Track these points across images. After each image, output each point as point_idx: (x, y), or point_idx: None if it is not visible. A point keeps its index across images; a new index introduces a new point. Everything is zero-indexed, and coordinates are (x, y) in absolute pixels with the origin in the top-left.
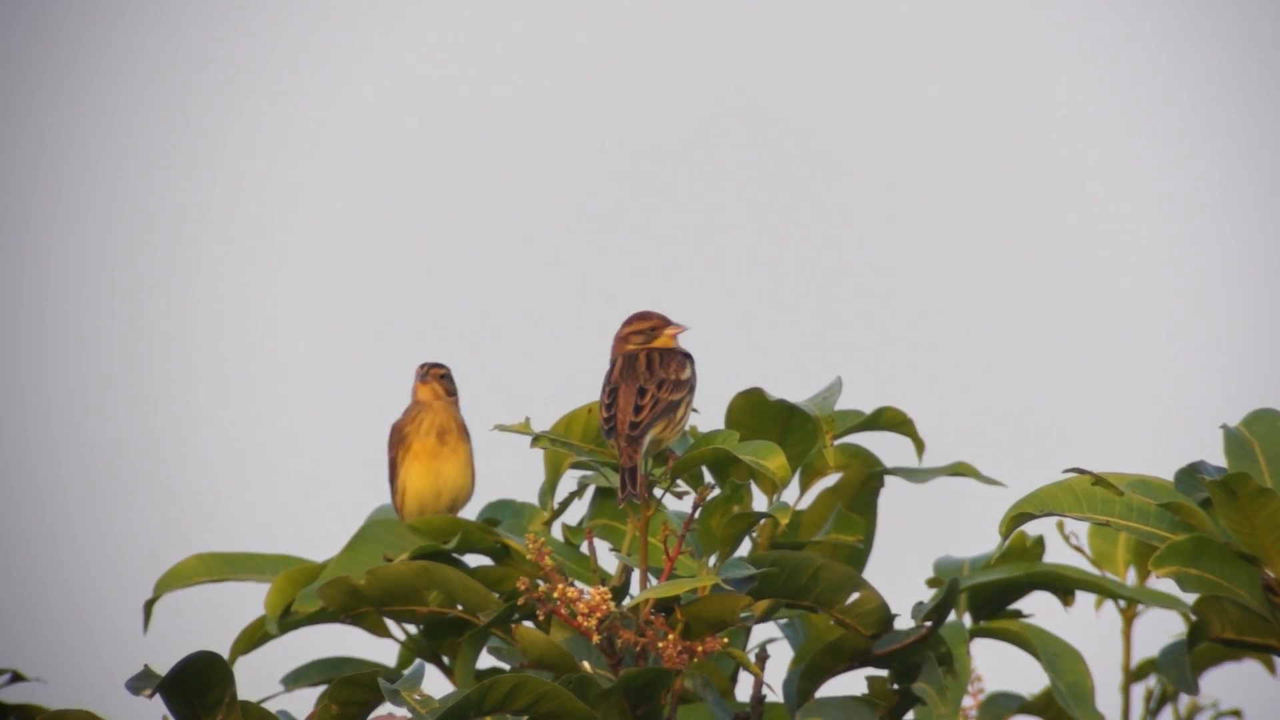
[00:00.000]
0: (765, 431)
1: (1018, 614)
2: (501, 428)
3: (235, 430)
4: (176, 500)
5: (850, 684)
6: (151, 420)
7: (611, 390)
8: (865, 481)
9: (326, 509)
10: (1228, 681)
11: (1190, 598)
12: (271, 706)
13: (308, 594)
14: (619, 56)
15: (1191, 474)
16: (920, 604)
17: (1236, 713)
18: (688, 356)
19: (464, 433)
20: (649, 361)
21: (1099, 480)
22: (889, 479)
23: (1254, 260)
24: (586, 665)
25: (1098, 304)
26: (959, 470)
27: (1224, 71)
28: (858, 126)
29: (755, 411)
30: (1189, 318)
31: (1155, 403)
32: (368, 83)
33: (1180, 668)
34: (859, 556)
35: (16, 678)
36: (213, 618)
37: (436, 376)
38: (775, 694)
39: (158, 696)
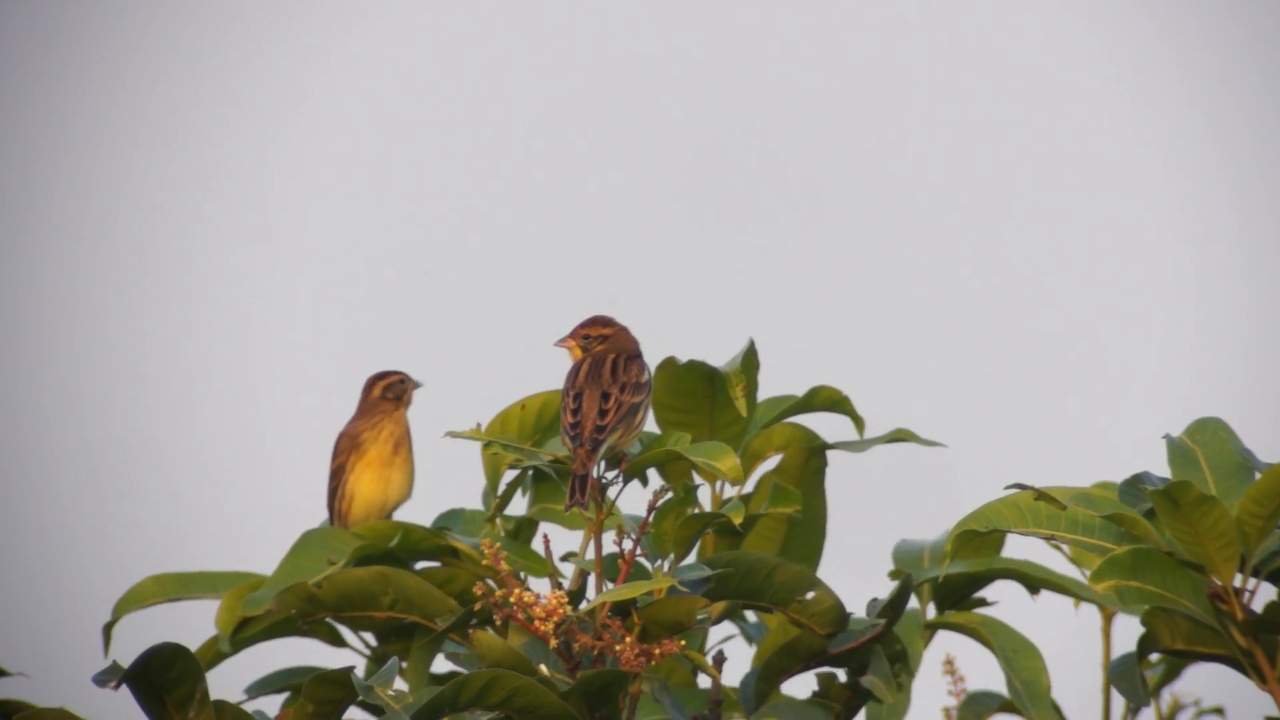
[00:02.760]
0: (694, 411)
1: (983, 602)
2: (454, 434)
3: (229, 432)
4: (169, 499)
5: (807, 683)
6: (145, 420)
7: (576, 395)
8: (808, 460)
9: (321, 516)
10: (1212, 678)
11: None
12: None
13: (254, 599)
14: (616, 55)
15: (1135, 485)
16: (875, 600)
17: (1219, 710)
18: (643, 359)
19: (411, 443)
20: (614, 367)
21: (1041, 495)
22: (835, 461)
23: (1249, 259)
24: (544, 669)
25: (1076, 303)
26: (899, 436)
27: (1228, 72)
28: (837, 112)
29: (677, 388)
30: (1170, 319)
31: (1132, 401)
32: (361, 85)
33: (1131, 680)
34: (814, 541)
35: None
36: (190, 631)
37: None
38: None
39: (133, 697)
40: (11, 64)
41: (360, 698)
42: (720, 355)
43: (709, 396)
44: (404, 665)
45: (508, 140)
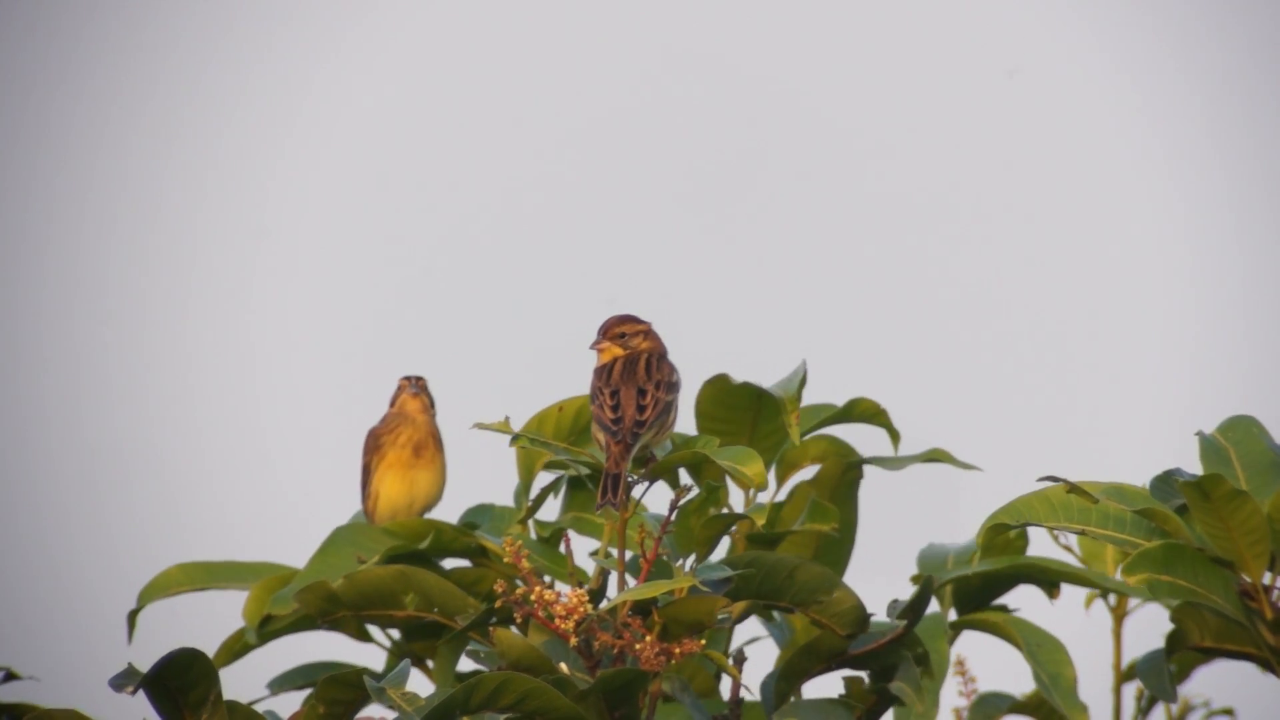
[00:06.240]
0: (736, 423)
1: (1003, 609)
2: (481, 426)
3: (229, 433)
4: (170, 501)
5: (829, 685)
6: (146, 422)
7: (613, 392)
8: (844, 473)
9: (321, 514)
10: (1221, 679)
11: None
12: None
13: (281, 596)
14: (613, 53)
15: (1167, 480)
16: (896, 601)
17: (1229, 711)
18: (670, 360)
19: (439, 444)
20: (648, 365)
21: (1074, 488)
22: (869, 472)
23: (1253, 260)
24: (564, 667)
25: (1107, 301)
26: (935, 457)
27: (1229, 71)
28: (850, 117)
29: (723, 401)
30: (1185, 316)
31: (1151, 405)
32: (361, 87)
33: (1159, 676)
34: (842, 550)
35: (10, 676)
36: (202, 623)
37: (423, 389)
38: (754, 695)
39: (146, 698)
40: (11, 63)
41: (372, 699)
42: (736, 357)
43: (753, 410)
44: (430, 663)
45: (511, 141)
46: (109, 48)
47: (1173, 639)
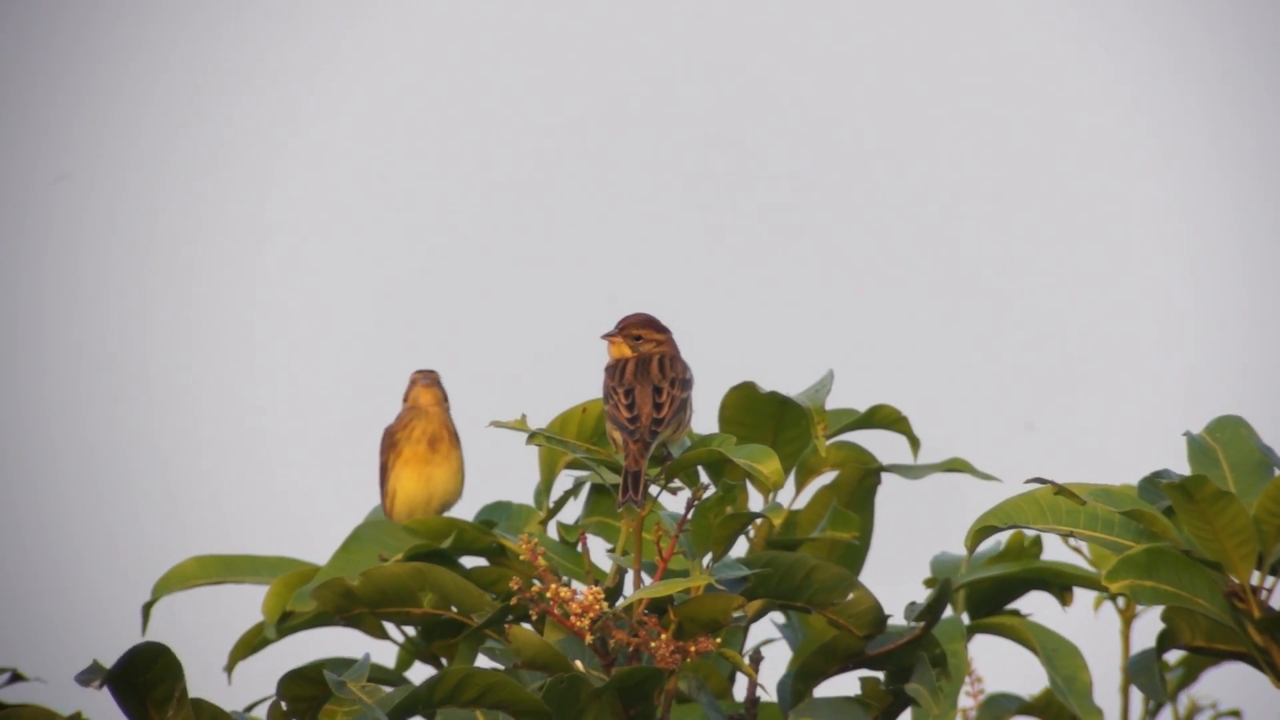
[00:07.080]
0: (759, 428)
1: (1015, 614)
2: (498, 424)
3: (233, 431)
4: (174, 501)
5: (845, 685)
6: (149, 421)
7: (628, 391)
8: (862, 479)
9: (325, 511)
10: (1229, 681)
11: None
12: (269, 708)
13: (302, 594)
14: (612, 52)
15: (1154, 481)
16: (913, 604)
17: (1236, 713)
18: (683, 359)
19: (455, 439)
20: (661, 364)
21: (1061, 490)
22: (886, 477)
23: (1259, 263)
24: (580, 665)
25: (1098, 302)
26: (954, 466)
27: (1228, 70)
28: (858, 119)
29: (748, 407)
30: (1193, 320)
31: (1153, 405)
32: (360, 87)
33: (1149, 674)
34: (857, 555)
35: (16, 677)
36: (213, 619)
37: (435, 382)
38: (769, 695)
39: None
40: (11, 63)
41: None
42: (748, 359)
43: (776, 416)
44: (445, 662)
45: (510, 140)
46: (110, 47)
47: (1163, 638)
